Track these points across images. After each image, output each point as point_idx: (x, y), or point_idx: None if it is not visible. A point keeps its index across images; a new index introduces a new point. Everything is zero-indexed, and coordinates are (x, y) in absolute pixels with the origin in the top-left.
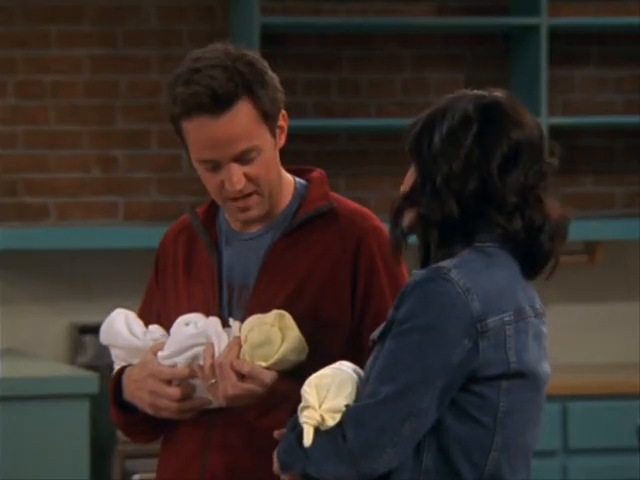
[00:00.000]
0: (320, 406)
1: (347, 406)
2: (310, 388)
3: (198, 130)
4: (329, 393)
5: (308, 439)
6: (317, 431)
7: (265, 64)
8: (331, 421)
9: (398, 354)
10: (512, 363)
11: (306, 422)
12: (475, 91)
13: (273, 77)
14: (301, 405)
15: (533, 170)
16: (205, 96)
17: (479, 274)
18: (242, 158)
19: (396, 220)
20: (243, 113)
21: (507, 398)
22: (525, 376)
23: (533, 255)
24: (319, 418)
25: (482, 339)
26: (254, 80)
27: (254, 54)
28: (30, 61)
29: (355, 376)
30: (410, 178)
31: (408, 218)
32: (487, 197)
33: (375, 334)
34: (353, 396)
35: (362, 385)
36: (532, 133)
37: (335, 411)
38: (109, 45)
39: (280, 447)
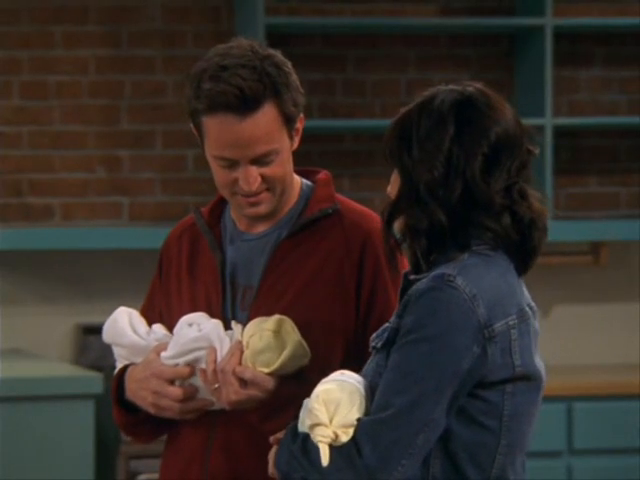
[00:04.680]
0: (331, 422)
1: (358, 420)
2: (319, 405)
3: (220, 128)
4: (339, 408)
5: (325, 458)
6: (330, 446)
7: (289, 65)
8: (345, 437)
9: (408, 365)
10: (517, 367)
11: (320, 441)
12: (450, 86)
13: (296, 79)
14: (311, 422)
15: (514, 166)
16: (233, 96)
17: (482, 279)
18: (261, 160)
19: (387, 230)
20: (268, 116)
21: (512, 401)
22: (528, 378)
23: (525, 252)
24: (332, 435)
25: (490, 345)
26: (281, 82)
27: (278, 54)
28: (35, 61)
29: (360, 386)
30: (396, 182)
31: (398, 225)
32: (473, 201)
33: (374, 337)
34: (362, 408)
35: (367, 394)
36: (509, 126)
37: (348, 426)
38: (114, 45)
39: (280, 458)
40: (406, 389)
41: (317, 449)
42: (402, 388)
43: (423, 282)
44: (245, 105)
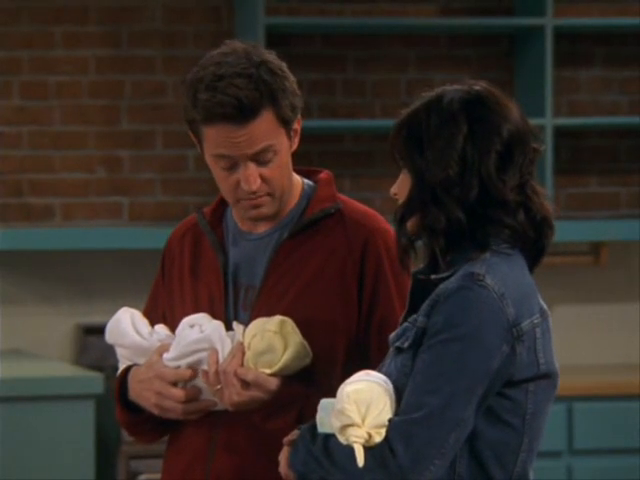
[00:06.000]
0: (363, 422)
1: (390, 420)
2: (350, 405)
3: (218, 134)
4: (370, 408)
5: (361, 459)
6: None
7: (284, 68)
8: (378, 437)
9: (440, 365)
10: (541, 365)
11: (355, 441)
12: (455, 86)
13: (293, 81)
14: (342, 423)
15: (526, 163)
16: (230, 106)
17: (507, 278)
18: (259, 159)
19: (400, 230)
20: (265, 122)
21: (534, 400)
22: (549, 377)
23: (537, 250)
24: (366, 436)
25: (518, 344)
26: (277, 88)
27: (274, 58)
28: (35, 61)
29: (387, 386)
30: (404, 183)
31: (411, 225)
32: (488, 198)
33: (395, 337)
34: (392, 408)
35: (393, 393)
36: (518, 123)
37: (380, 426)
38: (114, 46)
39: (295, 458)
40: (438, 389)
41: (341, 449)
42: (434, 388)
43: (451, 281)
44: (242, 115)
